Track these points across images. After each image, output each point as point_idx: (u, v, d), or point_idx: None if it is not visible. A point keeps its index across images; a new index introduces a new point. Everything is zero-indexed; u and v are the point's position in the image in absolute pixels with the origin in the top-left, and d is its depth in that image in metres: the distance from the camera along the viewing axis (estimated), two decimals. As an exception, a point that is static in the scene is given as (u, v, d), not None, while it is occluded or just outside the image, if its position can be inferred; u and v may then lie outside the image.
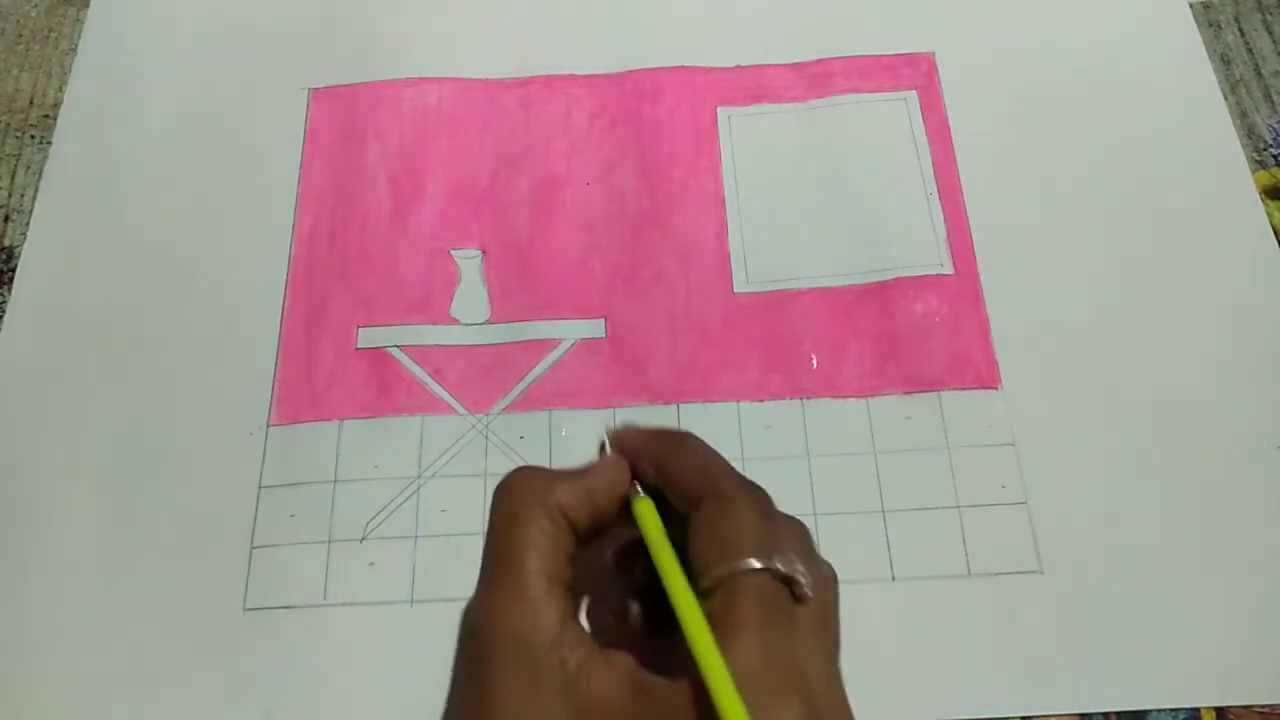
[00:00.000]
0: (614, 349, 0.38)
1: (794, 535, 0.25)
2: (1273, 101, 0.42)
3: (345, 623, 0.34)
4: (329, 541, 0.35)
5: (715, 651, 0.21)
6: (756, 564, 0.23)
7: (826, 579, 0.25)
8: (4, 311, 0.40)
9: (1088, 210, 0.40)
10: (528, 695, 0.22)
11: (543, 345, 0.38)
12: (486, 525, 0.26)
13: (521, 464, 0.28)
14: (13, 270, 0.40)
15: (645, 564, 0.24)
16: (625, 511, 0.26)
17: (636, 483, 0.27)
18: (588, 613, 0.30)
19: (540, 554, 0.24)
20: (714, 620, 0.22)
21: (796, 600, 0.23)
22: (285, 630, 0.34)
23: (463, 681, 0.24)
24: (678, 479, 0.26)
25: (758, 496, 0.25)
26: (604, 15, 0.45)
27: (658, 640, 0.24)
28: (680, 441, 0.28)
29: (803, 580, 0.23)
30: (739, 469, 0.26)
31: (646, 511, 0.26)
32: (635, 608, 0.27)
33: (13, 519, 0.36)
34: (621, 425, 0.29)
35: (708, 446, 0.28)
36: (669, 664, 0.22)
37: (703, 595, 0.23)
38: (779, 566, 0.23)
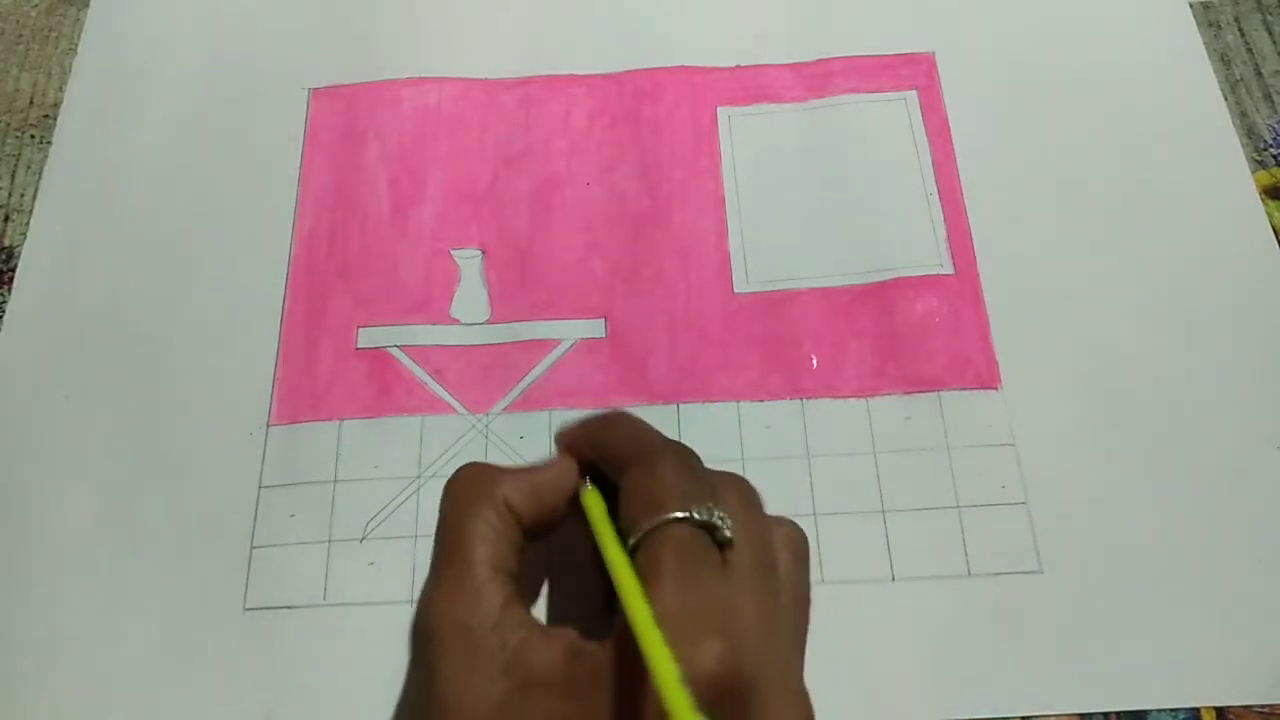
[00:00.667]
0: (614, 349, 0.38)
1: (732, 490, 0.26)
2: (1273, 101, 0.42)
3: (345, 623, 0.34)
4: (329, 541, 0.35)
5: (640, 598, 0.21)
6: (676, 514, 0.23)
7: (779, 533, 0.26)
8: (4, 311, 0.40)
9: (1088, 210, 0.40)
10: (471, 675, 0.23)
11: (543, 345, 0.38)
12: (438, 515, 0.26)
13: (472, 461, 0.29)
14: (13, 270, 0.40)
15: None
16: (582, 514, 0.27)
17: (587, 478, 0.28)
18: (553, 613, 0.31)
19: (484, 545, 0.25)
20: (639, 573, 0.23)
21: (720, 545, 0.24)
22: (285, 630, 0.34)
23: (415, 666, 0.25)
24: (610, 454, 0.27)
25: (680, 457, 0.26)
26: (604, 15, 0.45)
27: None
28: (610, 418, 0.29)
29: (721, 524, 0.24)
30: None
31: (591, 500, 0.26)
32: (598, 603, 0.27)
33: (13, 519, 0.36)
34: (565, 423, 0.30)
35: (637, 420, 0.29)
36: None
37: (631, 554, 0.23)
38: (695, 514, 0.23)
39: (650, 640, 0.20)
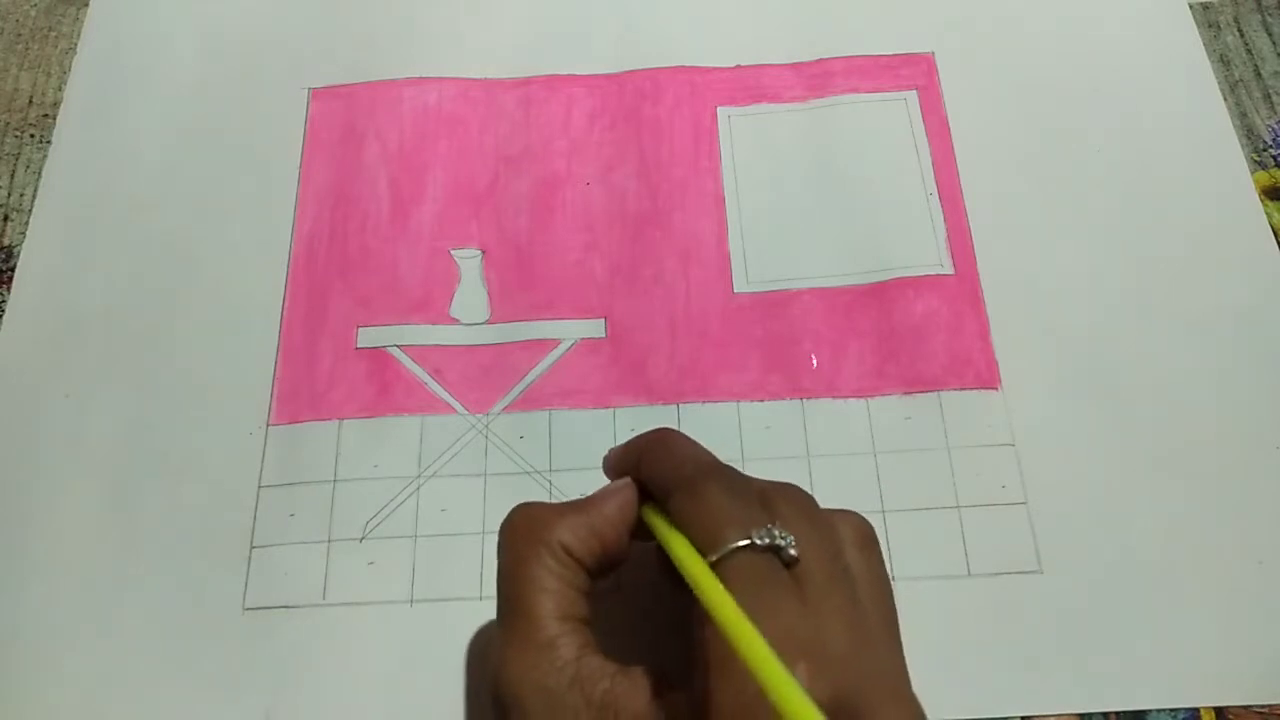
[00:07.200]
0: (614, 349, 0.38)
1: (787, 501, 0.25)
2: (1272, 102, 0.42)
3: (345, 623, 0.34)
4: (329, 541, 0.35)
5: (744, 622, 0.21)
6: (735, 543, 0.22)
7: (844, 529, 0.25)
8: (3, 311, 0.40)
9: (1087, 210, 0.40)
10: None
11: (543, 345, 0.38)
12: (497, 563, 0.25)
13: (525, 501, 0.27)
14: (12, 270, 0.40)
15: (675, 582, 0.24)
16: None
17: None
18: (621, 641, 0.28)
19: (549, 596, 0.24)
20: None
21: (787, 564, 0.23)
22: (285, 630, 0.34)
23: None
24: (653, 480, 0.26)
25: (725, 478, 0.25)
26: (604, 15, 0.45)
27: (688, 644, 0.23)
28: (650, 441, 0.27)
29: (785, 543, 0.23)
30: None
31: (653, 516, 0.25)
32: (672, 617, 0.26)
33: (12, 519, 0.36)
34: (615, 447, 0.28)
35: (677, 440, 0.27)
36: (694, 661, 0.22)
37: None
38: (756, 539, 0.23)
39: (767, 667, 0.19)
